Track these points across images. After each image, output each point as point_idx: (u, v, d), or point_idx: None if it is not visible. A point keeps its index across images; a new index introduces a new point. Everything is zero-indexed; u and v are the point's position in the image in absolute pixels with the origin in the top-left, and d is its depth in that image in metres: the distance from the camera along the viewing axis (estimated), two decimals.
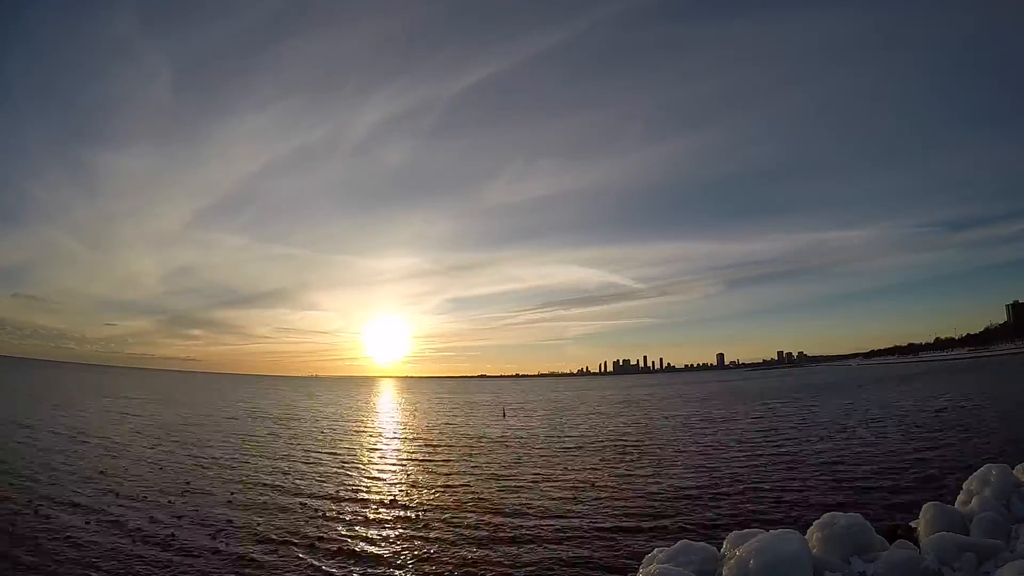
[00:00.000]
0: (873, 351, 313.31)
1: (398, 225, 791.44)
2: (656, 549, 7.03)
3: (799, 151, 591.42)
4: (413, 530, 15.21)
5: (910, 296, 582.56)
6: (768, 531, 6.52)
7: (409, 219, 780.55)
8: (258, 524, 15.45)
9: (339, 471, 24.06)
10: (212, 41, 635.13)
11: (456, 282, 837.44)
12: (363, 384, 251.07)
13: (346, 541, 14.19)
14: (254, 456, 27.45)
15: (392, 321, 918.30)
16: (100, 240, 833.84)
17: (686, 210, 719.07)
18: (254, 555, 13.02)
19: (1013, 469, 8.15)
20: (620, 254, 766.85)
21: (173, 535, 14.29)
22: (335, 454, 28.96)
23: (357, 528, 15.39)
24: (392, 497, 19.19)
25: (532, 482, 21.11)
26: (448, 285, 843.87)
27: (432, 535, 14.72)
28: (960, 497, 8.03)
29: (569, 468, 23.88)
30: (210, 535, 14.40)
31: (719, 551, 6.66)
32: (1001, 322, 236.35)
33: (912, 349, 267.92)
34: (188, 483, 20.53)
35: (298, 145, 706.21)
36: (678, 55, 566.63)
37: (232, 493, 19.13)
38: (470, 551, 13.37)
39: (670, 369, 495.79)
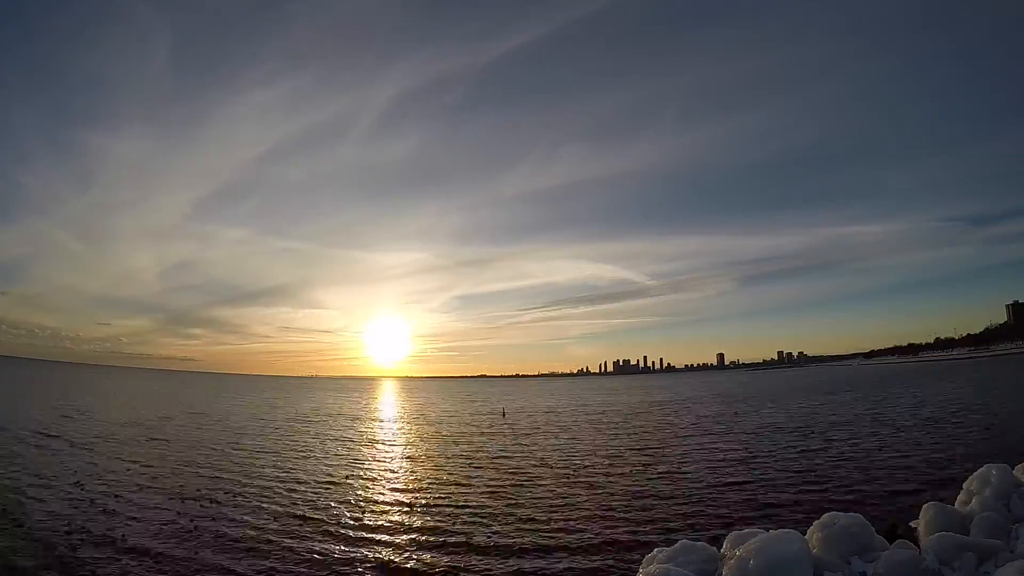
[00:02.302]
0: (873, 351, 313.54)
1: (409, 217, 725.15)
2: (656, 549, 7.02)
3: (831, 139, 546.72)
4: (412, 531, 15.21)
5: (910, 296, 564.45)
6: (768, 531, 6.51)
7: (421, 210, 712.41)
8: (246, 536, 15.44)
9: (332, 475, 24.05)
10: (216, 4, 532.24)
11: (465, 279, 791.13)
12: (361, 385, 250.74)
13: (343, 546, 14.18)
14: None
15: (396, 320, 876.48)
16: (94, 234, 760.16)
17: (710, 201, 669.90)
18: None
19: (1013, 469, 8.13)
20: (636, 249, 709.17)
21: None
22: (326, 457, 28.95)
23: (354, 533, 15.38)
24: (390, 497, 19.22)
25: (532, 482, 21.11)
26: (457, 282, 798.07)
27: (432, 535, 14.72)
28: (960, 497, 8.01)
29: (569, 468, 23.87)
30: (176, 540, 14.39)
31: (719, 551, 6.65)
32: (1001, 322, 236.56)
33: (912, 349, 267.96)
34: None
35: (307, 125, 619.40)
36: (723, 28, 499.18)
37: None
38: (470, 552, 13.37)
39: (670, 369, 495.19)
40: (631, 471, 22.77)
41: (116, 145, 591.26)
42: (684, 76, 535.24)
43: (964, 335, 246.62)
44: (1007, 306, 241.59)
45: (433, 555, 13.20)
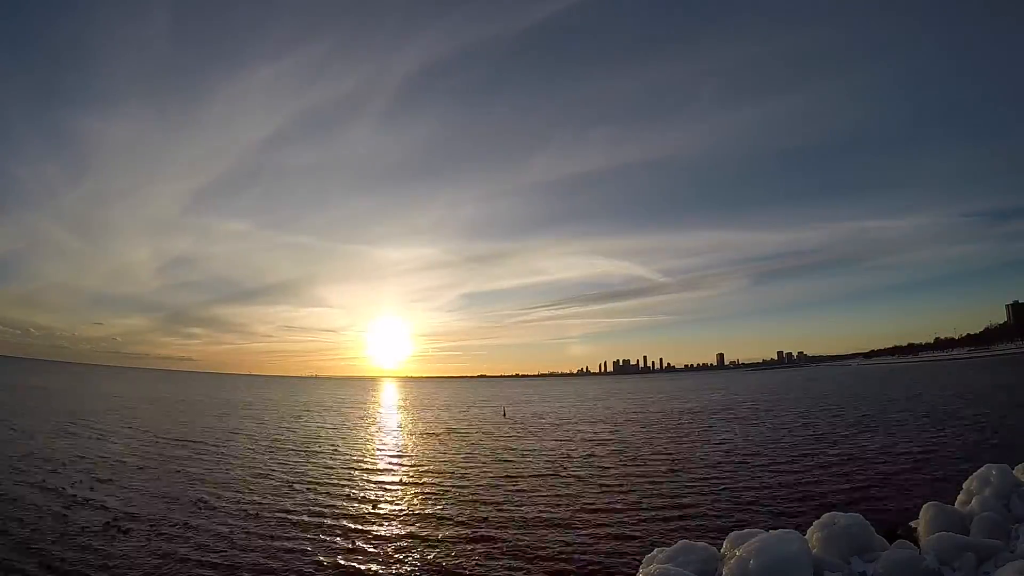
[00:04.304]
0: (873, 351, 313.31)
1: (420, 209, 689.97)
2: (656, 549, 7.03)
3: (857, 129, 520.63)
4: (413, 530, 15.20)
5: (912, 295, 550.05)
6: (768, 531, 6.51)
7: (433, 201, 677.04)
8: (248, 537, 15.43)
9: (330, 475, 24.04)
10: None
11: (474, 275, 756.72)
12: (361, 385, 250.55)
13: (344, 547, 14.19)
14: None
15: (399, 319, 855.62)
16: (89, 227, 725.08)
17: (731, 193, 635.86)
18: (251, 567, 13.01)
19: (1013, 469, 8.13)
20: (652, 244, 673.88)
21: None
22: (329, 456, 28.95)
23: (354, 534, 15.38)
24: (392, 496, 19.21)
25: (534, 482, 21.10)
26: (465, 279, 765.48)
27: (433, 535, 14.70)
28: (960, 497, 8.02)
29: (570, 468, 23.86)
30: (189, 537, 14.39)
31: (719, 551, 6.66)
32: (1001, 322, 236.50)
33: (912, 349, 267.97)
34: None
35: (316, 104, 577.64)
36: (753, 10, 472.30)
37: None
38: (471, 552, 13.36)
39: (670, 369, 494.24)
40: (631, 471, 22.76)
41: (110, 128, 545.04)
42: (748, 44, 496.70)
43: (964, 335, 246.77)
44: (1007, 306, 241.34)
45: (433, 554, 13.19)
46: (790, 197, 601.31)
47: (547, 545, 13.71)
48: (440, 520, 16.09)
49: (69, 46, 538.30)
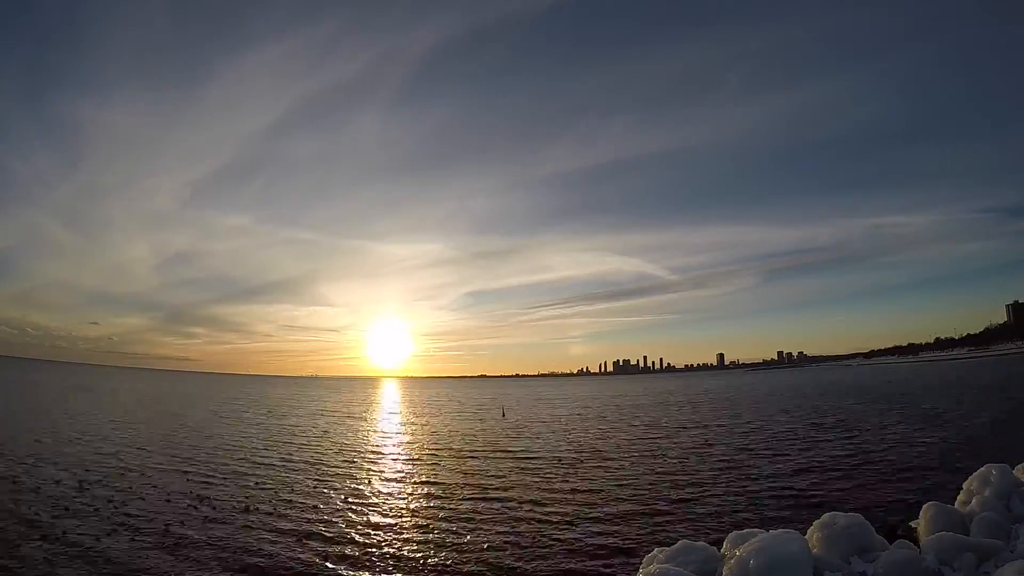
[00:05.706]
0: (873, 351, 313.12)
1: (428, 202, 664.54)
2: (656, 549, 7.03)
3: (881, 120, 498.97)
4: (412, 532, 15.20)
5: (912, 295, 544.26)
6: (768, 531, 6.51)
7: (442, 194, 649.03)
8: (246, 535, 15.43)
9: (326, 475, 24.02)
10: None
11: (480, 273, 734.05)
12: (360, 385, 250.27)
13: (343, 544, 14.18)
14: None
15: (401, 318, 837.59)
16: (86, 222, 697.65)
17: (748, 187, 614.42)
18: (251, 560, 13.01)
19: (1013, 469, 8.14)
20: (663, 240, 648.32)
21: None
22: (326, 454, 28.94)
23: (353, 532, 15.38)
24: (389, 500, 19.19)
25: (532, 482, 21.09)
26: (470, 277, 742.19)
27: (429, 536, 14.70)
28: (960, 497, 8.02)
29: (570, 469, 23.85)
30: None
31: (719, 551, 6.66)
32: (1001, 322, 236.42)
33: (912, 349, 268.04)
34: None
35: (323, 88, 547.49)
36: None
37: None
38: (470, 552, 13.35)
39: (670, 369, 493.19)
40: (630, 471, 22.75)
41: (105, 116, 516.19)
42: (777, 31, 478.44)
43: (964, 335, 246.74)
44: (1007, 306, 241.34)
45: (430, 554, 13.19)
46: (805, 193, 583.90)
47: (546, 545, 13.70)
48: (436, 521, 16.07)
49: (61, 30, 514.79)
